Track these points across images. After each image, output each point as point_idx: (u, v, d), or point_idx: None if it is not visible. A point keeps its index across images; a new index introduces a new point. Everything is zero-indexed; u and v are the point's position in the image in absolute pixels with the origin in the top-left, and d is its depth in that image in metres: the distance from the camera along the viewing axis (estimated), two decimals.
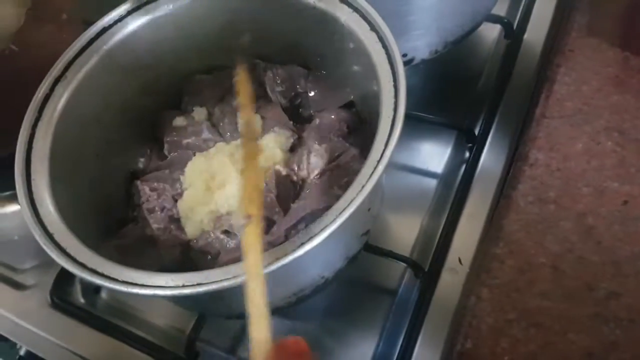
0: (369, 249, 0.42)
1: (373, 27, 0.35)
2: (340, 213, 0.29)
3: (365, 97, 0.39)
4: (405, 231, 0.46)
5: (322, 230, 0.28)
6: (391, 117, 0.31)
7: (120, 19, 0.40)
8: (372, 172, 0.30)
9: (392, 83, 0.32)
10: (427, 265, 0.43)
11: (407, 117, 0.48)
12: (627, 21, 0.44)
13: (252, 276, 0.25)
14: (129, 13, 0.40)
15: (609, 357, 0.32)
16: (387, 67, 0.33)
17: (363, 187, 0.29)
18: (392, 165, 0.49)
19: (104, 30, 0.40)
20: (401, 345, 0.40)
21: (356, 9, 0.36)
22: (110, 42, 0.40)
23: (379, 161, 0.30)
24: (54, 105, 0.38)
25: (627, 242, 0.35)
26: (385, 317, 0.43)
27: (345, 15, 0.36)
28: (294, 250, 0.28)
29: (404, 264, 0.44)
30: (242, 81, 0.35)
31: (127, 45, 0.41)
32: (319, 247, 0.28)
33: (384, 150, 0.30)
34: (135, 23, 0.40)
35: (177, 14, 0.41)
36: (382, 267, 0.44)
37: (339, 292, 0.44)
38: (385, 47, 0.34)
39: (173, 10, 0.41)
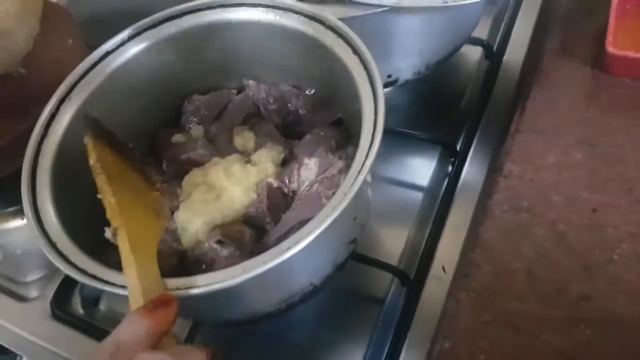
0: (356, 257, 0.44)
1: (355, 51, 0.37)
2: (323, 219, 0.31)
3: (351, 115, 0.41)
4: (393, 241, 0.48)
5: (307, 235, 0.30)
6: (371, 132, 0.34)
7: (122, 43, 0.43)
8: (354, 182, 0.32)
9: (372, 102, 0.35)
10: (413, 274, 0.45)
11: (394, 133, 0.51)
12: (597, 42, 0.47)
13: (125, 260, 0.32)
14: (130, 38, 0.43)
15: (581, 356, 0.34)
16: (368, 87, 0.35)
17: (345, 195, 0.31)
18: (381, 179, 0.52)
19: (107, 54, 0.42)
20: (387, 353, 0.41)
21: (340, 35, 0.38)
22: (113, 65, 0.42)
23: (359, 171, 0.32)
24: (59, 123, 0.40)
25: (597, 248, 0.37)
26: (374, 326, 0.44)
27: (330, 41, 0.39)
28: (280, 254, 0.30)
29: (391, 273, 0.45)
30: (91, 149, 0.36)
31: (128, 69, 0.43)
32: (305, 251, 0.30)
33: (364, 162, 0.33)
34: (136, 47, 0.43)
35: (176, 38, 0.43)
36: (370, 277, 0.46)
37: (328, 301, 0.45)
38: (366, 68, 0.36)
39: (172, 35, 0.43)
